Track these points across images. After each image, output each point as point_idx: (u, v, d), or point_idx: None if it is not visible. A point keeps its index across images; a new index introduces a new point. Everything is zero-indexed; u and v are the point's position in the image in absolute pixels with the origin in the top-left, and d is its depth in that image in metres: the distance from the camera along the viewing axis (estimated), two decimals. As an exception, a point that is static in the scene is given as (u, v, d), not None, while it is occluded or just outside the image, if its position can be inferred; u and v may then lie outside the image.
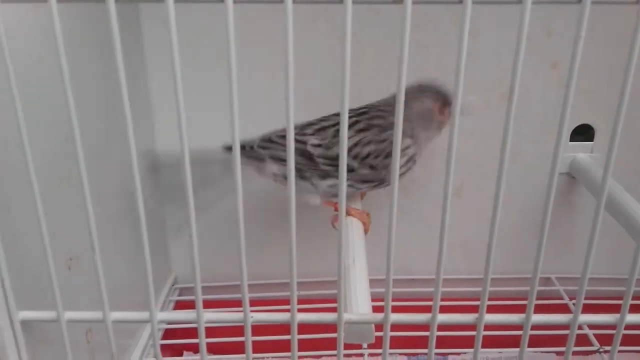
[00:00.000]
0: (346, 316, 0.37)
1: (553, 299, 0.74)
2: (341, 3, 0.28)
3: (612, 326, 0.45)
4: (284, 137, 0.60)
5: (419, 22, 0.64)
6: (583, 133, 0.72)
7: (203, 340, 0.38)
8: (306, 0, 0.29)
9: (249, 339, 0.38)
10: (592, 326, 0.63)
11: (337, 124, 0.59)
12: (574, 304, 0.38)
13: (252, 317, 0.37)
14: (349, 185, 0.58)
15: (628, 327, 0.38)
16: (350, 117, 0.58)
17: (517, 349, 0.40)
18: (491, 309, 0.37)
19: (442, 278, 0.69)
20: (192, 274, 0.35)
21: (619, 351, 0.54)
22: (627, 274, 0.38)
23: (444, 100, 0.59)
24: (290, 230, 0.34)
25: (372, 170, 0.58)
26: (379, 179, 0.59)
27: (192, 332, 0.39)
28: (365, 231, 0.58)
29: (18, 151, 0.32)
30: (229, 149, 0.59)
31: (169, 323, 0.71)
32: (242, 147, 0.60)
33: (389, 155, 0.57)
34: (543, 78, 0.67)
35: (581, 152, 0.71)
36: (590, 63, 0.64)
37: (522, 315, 0.38)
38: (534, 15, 0.30)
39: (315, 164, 0.58)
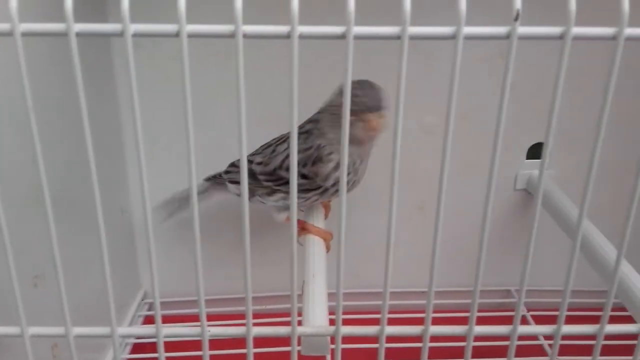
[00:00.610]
0: (300, 329, 0.39)
1: (512, 311, 0.76)
2: (344, 39, 0.30)
3: (567, 337, 0.47)
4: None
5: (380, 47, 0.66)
6: (538, 151, 0.75)
7: (162, 355, 0.39)
8: (311, 36, 0.31)
9: (206, 353, 0.39)
10: (548, 337, 0.66)
11: (278, 140, 0.62)
12: (531, 315, 0.41)
13: (209, 331, 0.39)
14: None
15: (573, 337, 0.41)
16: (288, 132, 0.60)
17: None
18: (452, 321, 0.39)
19: (404, 291, 0.72)
20: (152, 290, 0.37)
21: None
22: (583, 286, 0.40)
23: (366, 105, 0.54)
24: (244, 245, 0.35)
25: (306, 180, 0.58)
26: (317, 186, 0.59)
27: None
28: (327, 249, 0.60)
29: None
30: (208, 179, 0.67)
31: (137, 338, 0.72)
32: (214, 177, 0.67)
33: (316, 161, 0.58)
34: (499, 98, 0.70)
35: (537, 170, 0.75)
36: (547, 85, 0.67)
37: (466, 327, 0.40)
38: (491, 41, 0.33)
39: (258, 181, 0.61)
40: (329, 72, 0.54)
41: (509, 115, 0.72)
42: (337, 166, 0.58)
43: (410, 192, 0.76)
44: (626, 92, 0.61)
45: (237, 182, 0.63)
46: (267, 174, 0.61)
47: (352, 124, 0.53)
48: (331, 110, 0.57)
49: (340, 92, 0.56)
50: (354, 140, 0.54)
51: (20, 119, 0.41)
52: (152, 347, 0.71)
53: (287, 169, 0.59)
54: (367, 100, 0.53)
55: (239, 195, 0.64)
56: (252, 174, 0.61)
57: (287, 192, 0.61)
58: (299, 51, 0.30)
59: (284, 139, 0.62)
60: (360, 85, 0.54)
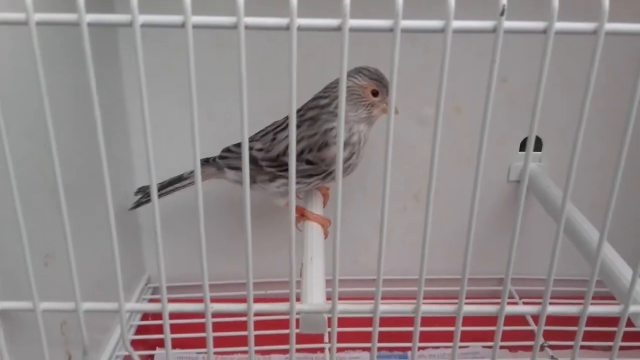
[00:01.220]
0: (298, 306, 0.41)
1: (509, 306, 0.79)
2: (339, 31, 0.32)
3: (558, 322, 0.49)
4: (238, 145, 0.65)
5: (375, 38, 0.68)
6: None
7: (167, 329, 0.41)
8: (308, 28, 0.33)
9: (209, 327, 0.41)
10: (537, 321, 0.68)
11: (276, 127, 0.63)
12: (523, 302, 0.43)
13: (212, 307, 0.41)
14: (296, 182, 0.62)
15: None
16: (287, 118, 0.62)
17: (474, 344, 0.44)
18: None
19: (399, 278, 0.74)
20: (158, 269, 0.39)
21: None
22: (574, 275, 0.42)
23: (378, 82, 0.59)
24: (245, 224, 0.37)
25: (311, 165, 0.60)
26: (322, 172, 0.61)
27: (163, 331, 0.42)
28: (325, 235, 0.62)
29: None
30: (205, 161, 0.67)
31: (142, 319, 0.74)
32: (207, 160, 0.67)
33: (322, 147, 0.60)
34: (494, 92, 0.72)
35: (530, 162, 0.76)
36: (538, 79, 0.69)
37: (456, 306, 0.42)
38: (484, 36, 0.34)
39: (260, 167, 0.62)
40: (328, 63, 0.56)
41: (502, 108, 0.75)
42: (344, 147, 0.59)
43: (405, 181, 0.78)
44: (615, 86, 0.63)
45: (236, 168, 0.65)
46: (269, 160, 0.62)
47: (375, 104, 0.60)
48: (351, 90, 0.59)
49: (360, 74, 0.59)
50: (371, 121, 0.61)
51: (30, 106, 0.44)
52: (156, 328, 0.73)
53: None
54: (387, 83, 0.57)
55: (236, 181, 0.66)
56: (253, 161, 0.62)
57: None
58: (299, 42, 0.32)
59: (285, 125, 0.63)
60: (377, 71, 0.59)
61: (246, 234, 0.38)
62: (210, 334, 0.42)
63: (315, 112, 0.61)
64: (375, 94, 0.59)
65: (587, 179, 0.65)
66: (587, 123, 0.35)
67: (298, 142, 0.60)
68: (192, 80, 0.33)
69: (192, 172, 0.68)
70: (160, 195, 0.68)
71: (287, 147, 0.62)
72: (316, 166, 0.60)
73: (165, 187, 0.68)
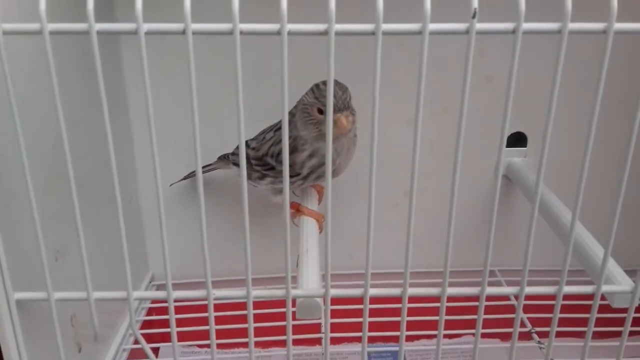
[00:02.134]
0: (294, 292, 0.44)
1: (490, 287, 0.82)
2: (326, 35, 0.35)
3: (544, 309, 0.51)
4: (247, 145, 0.69)
5: (365, 41, 0.71)
6: (518, 140, 0.80)
7: (173, 316, 0.44)
8: (297, 33, 0.36)
9: (211, 314, 0.44)
10: (526, 310, 0.71)
11: (271, 128, 0.67)
12: (515, 296, 0.46)
13: (214, 294, 0.44)
14: (279, 181, 0.65)
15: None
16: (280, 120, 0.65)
17: (465, 331, 0.47)
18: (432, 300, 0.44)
19: (390, 272, 0.76)
20: (163, 253, 0.42)
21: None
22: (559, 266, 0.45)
23: (323, 100, 0.57)
24: (243, 216, 0.40)
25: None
26: (296, 174, 0.63)
27: (168, 325, 0.45)
28: (320, 229, 0.65)
29: (15, 161, 0.39)
30: (220, 158, 0.74)
31: (147, 314, 0.77)
32: (225, 156, 0.74)
33: (292, 151, 0.61)
34: (479, 90, 0.76)
35: (516, 157, 0.80)
36: (525, 77, 0.72)
37: (440, 288, 0.45)
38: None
39: (251, 165, 0.66)
40: (321, 66, 0.59)
41: (489, 106, 0.78)
42: (310, 155, 0.62)
43: (396, 180, 0.81)
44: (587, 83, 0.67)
45: (237, 165, 0.68)
46: (257, 159, 0.67)
47: (321, 122, 0.59)
48: (303, 108, 0.61)
49: (311, 91, 0.60)
50: (319, 139, 0.60)
51: (41, 111, 0.47)
52: (160, 324, 0.76)
53: (272, 156, 0.65)
54: (335, 101, 0.56)
55: (239, 177, 0.69)
56: (247, 158, 0.66)
57: (274, 177, 0.66)
58: (292, 46, 0.35)
59: (273, 127, 0.67)
60: (334, 86, 0.57)
61: (244, 222, 0.41)
62: (212, 321, 0.44)
63: (290, 117, 0.62)
64: (320, 112, 0.59)
65: (572, 173, 0.68)
66: (571, 117, 0.38)
67: (277, 144, 0.64)
68: (192, 83, 0.36)
69: (214, 161, 0.75)
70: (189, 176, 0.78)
71: (269, 148, 0.66)
72: (291, 168, 0.62)
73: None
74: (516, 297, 0.46)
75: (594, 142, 0.39)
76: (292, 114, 0.63)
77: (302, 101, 0.62)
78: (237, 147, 0.69)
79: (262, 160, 0.66)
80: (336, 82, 0.58)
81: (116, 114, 0.72)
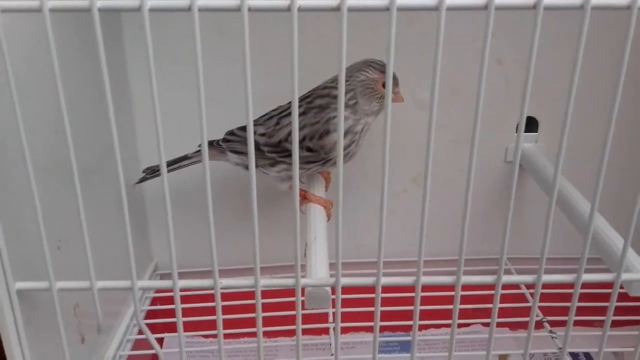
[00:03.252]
0: (303, 280, 0.43)
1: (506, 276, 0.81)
2: (338, 10, 0.33)
3: (556, 299, 0.50)
4: (241, 129, 0.67)
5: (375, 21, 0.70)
6: (529, 125, 0.78)
7: (179, 305, 0.43)
8: (308, 8, 0.34)
9: (218, 304, 0.43)
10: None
11: (281, 112, 0.65)
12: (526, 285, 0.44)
13: (221, 282, 0.42)
14: None
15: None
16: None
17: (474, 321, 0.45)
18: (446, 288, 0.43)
19: (400, 260, 0.75)
20: (168, 242, 0.40)
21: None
22: (573, 254, 0.43)
23: (396, 80, 0.61)
24: (252, 203, 0.39)
25: (310, 152, 0.62)
26: (321, 159, 0.62)
27: (172, 314, 0.44)
28: (328, 217, 0.64)
29: (15, 147, 0.37)
30: (210, 143, 0.68)
31: (151, 304, 0.76)
32: (210, 143, 0.68)
33: (322, 135, 0.61)
34: (489, 73, 0.74)
35: (527, 143, 0.78)
36: (537, 60, 0.71)
37: (454, 277, 0.43)
38: (480, 18, 0.36)
39: (261, 152, 0.64)
40: (332, 47, 0.58)
41: (499, 89, 0.77)
42: (347, 133, 0.62)
43: (404, 165, 0.79)
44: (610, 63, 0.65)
45: (239, 152, 0.67)
46: (271, 146, 0.64)
47: (383, 96, 0.60)
48: (365, 84, 0.61)
49: (371, 67, 0.61)
50: (378, 112, 0.63)
51: (42, 95, 0.45)
52: (164, 314, 0.75)
53: (292, 142, 0.62)
54: (394, 75, 0.59)
55: (238, 164, 0.68)
56: (255, 145, 0.63)
57: (291, 164, 0.64)
58: (302, 27, 0.33)
59: (289, 111, 0.64)
60: (384, 63, 0.60)
61: (252, 210, 0.39)
62: (219, 311, 0.43)
63: (325, 100, 0.62)
64: (384, 85, 0.60)
65: (584, 158, 0.66)
66: (582, 101, 0.36)
67: (301, 129, 0.62)
68: (198, 62, 0.35)
69: (196, 152, 0.70)
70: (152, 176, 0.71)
71: (289, 134, 0.63)
72: (316, 153, 0.62)
73: (171, 165, 0.70)
74: (528, 285, 0.44)
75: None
76: (332, 96, 0.62)
77: (358, 78, 0.61)
78: (229, 134, 0.68)
79: (280, 146, 0.64)
80: (380, 61, 0.62)
81: (118, 97, 0.70)
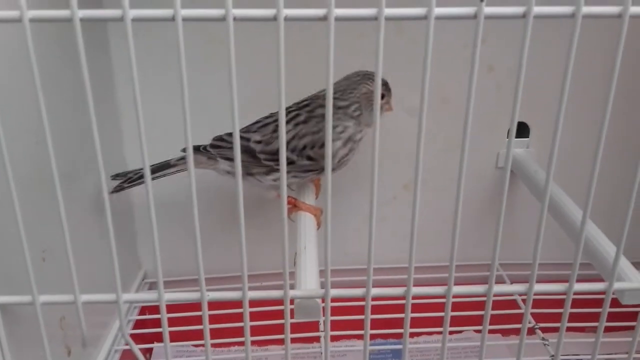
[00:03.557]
0: (292, 292, 0.42)
1: (497, 283, 0.80)
2: (325, 20, 0.33)
3: (548, 305, 0.50)
4: (231, 134, 0.66)
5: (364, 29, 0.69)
6: (520, 130, 0.78)
7: (165, 318, 0.42)
8: (295, 18, 0.34)
9: (205, 315, 0.42)
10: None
11: (274, 120, 0.64)
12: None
13: (207, 295, 0.42)
14: (292, 176, 0.63)
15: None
16: (292, 111, 0.63)
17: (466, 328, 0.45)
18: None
19: (390, 267, 0.75)
20: (154, 255, 0.40)
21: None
22: (564, 259, 0.43)
23: (384, 87, 0.64)
24: (239, 212, 0.38)
25: (311, 161, 0.62)
26: (320, 167, 0.62)
27: (160, 324, 0.43)
28: (318, 225, 0.63)
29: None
30: (196, 149, 0.66)
31: (139, 313, 0.75)
32: (197, 148, 0.66)
33: (324, 144, 0.60)
34: (480, 80, 0.74)
35: (518, 148, 0.78)
36: (526, 66, 0.71)
37: (445, 287, 0.43)
38: (470, 26, 0.35)
39: (257, 160, 0.63)
40: (321, 55, 0.57)
41: (490, 96, 0.76)
42: (344, 144, 0.63)
43: (395, 172, 0.79)
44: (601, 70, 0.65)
45: (231, 159, 0.64)
46: (269, 154, 0.63)
47: (382, 107, 0.64)
48: (368, 96, 0.63)
49: (370, 79, 0.64)
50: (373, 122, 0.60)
51: (23, 103, 0.44)
52: (153, 323, 0.74)
53: (292, 150, 0.62)
54: (388, 86, 0.65)
55: (228, 172, 0.66)
56: (251, 152, 0.63)
57: (288, 172, 0.63)
58: (290, 34, 0.33)
59: (288, 119, 0.62)
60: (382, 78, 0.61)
61: (240, 220, 0.39)
62: (207, 323, 0.42)
63: (323, 110, 0.61)
64: (382, 97, 0.64)
65: (575, 164, 0.66)
66: (573, 107, 0.36)
67: (302, 137, 0.62)
68: (183, 73, 0.34)
69: (180, 158, 0.67)
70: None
71: (288, 142, 0.62)
72: (315, 162, 0.62)
73: (154, 173, 0.66)
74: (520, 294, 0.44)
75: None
76: (336, 107, 0.62)
77: (361, 90, 0.63)
78: (218, 139, 0.66)
79: (278, 154, 0.63)
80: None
81: (104, 107, 0.69)
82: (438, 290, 0.43)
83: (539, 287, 0.43)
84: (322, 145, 0.61)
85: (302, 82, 0.62)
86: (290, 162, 0.62)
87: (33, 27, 0.33)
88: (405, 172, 0.79)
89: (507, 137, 0.78)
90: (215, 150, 0.66)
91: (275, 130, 0.63)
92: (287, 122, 0.63)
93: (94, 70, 0.34)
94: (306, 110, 0.63)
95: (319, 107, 0.62)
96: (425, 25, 0.34)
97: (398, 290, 0.43)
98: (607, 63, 0.37)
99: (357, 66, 0.65)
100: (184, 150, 0.65)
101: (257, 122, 0.65)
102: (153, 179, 0.66)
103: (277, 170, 0.63)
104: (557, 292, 0.44)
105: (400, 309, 0.47)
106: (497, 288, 0.44)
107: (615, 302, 0.52)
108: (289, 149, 0.62)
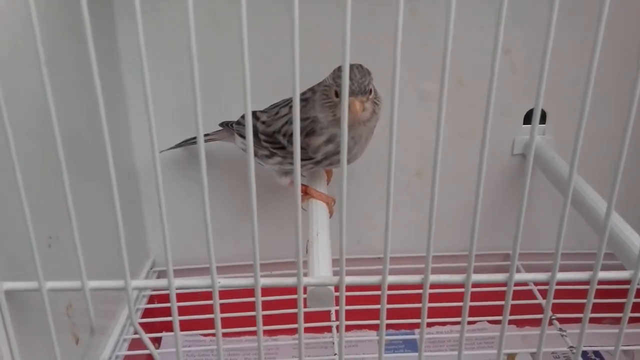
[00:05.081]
0: (305, 279, 0.41)
1: (518, 274, 0.79)
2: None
3: (566, 295, 0.49)
4: (253, 115, 0.64)
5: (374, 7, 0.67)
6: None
7: (175, 306, 0.41)
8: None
9: (216, 303, 0.41)
10: (543, 294, 0.67)
11: (285, 102, 0.62)
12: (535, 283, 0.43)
13: (219, 282, 0.40)
14: (288, 163, 0.62)
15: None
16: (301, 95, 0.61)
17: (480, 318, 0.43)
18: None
19: (404, 256, 0.73)
20: (164, 241, 0.38)
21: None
22: (583, 249, 0.42)
23: (356, 84, 0.53)
24: (251, 196, 0.37)
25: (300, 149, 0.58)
26: (308, 157, 0.59)
27: (169, 313, 0.42)
28: (330, 213, 0.61)
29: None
30: (221, 125, 0.69)
31: (148, 302, 0.74)
32: (227, 124, 0.69)
33: (309, 134, 0.57)
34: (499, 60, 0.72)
35: (536, 135, 0.76)
36: (541, 49, 0.69)
37: (464, 275, 0.41)
38: (488, 6, 0.34)
39: (259, 140, 0.61)
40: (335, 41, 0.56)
41: (506, 80, 0.74)
42: (328, 140, 0.58)
43: (408, 159, 0.77)
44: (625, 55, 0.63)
45: (242, 136, 0.65)
46: (267, 135, 0.62)
47: (337, 105, 0.55)
48: (323, 89, 0.57)
49: (332, 72, 0.56)
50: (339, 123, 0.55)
51: (29, 85, 0.43)
52: (162, 312, 0.73)
53: (284, 135, 0.60)
54: (350, 83, 0.52)
55: (242, 149, 0.66)
56: (255, 132, 0.61)
57: (283, 157, 0.62)
58: (304, 18, 0.31)
59: (289, 102, 0.61)
60: (352, 69, 0.53)
61: (252, 205, 0.37)
62: (217, 311, 0.41)
63: (309, 94, 0.59)
64: (337, 95, 0.54)
65: (593, 150, 0.64)
66: (594, 93, 0.34)
67: (292, 123, 0.59)
68: (192, 43, 0.32)
69: (216, 131, 0.70)
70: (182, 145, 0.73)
71: (282, 125, 0.61)
72: (304, 151, 0.58)
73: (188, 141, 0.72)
74: (536, 282, 0.42)
75: (616, 119, 0.36)
76: (313, 91, 0.59)
77: (323, 82, 0.57)
78: (242, 117, 0.66)
79: (273, 137, 0.61)
80: (358, 66, 0.54)
81: (110, 86, 0.68)
82: (457, 278, 0.42)
83: (561, 276, 0.42)
84: (307, 135, 0.58)
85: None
86: (281, 147, 0.61)
87: (38, 3, 0.32)
88: (418, 159, 0.77)
89: (524, 123, 0.77)
90: (237, 126, 0.66)
91: (278, 112, 0.62)
92: (287, 105, 0.62)
93: (99, 49, 0.33)
94: (307, 97, 0.59)
95: (308, 90, 0.60)
96: (445, 4, 0.33)
97: (415, 278, 0.41)
98: (627, 47, 0.35)
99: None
100: (220, 124, 0.70)
101: (275, 103, 0.64)
102: (190, 144, 0.72)
103: (276, 154, 0.62)
104: (581, 280, 0.42)
105: (413, 298, 0.45)
106: (519, 276, 0.42)
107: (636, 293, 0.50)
108: (280, 132, 0.61)
